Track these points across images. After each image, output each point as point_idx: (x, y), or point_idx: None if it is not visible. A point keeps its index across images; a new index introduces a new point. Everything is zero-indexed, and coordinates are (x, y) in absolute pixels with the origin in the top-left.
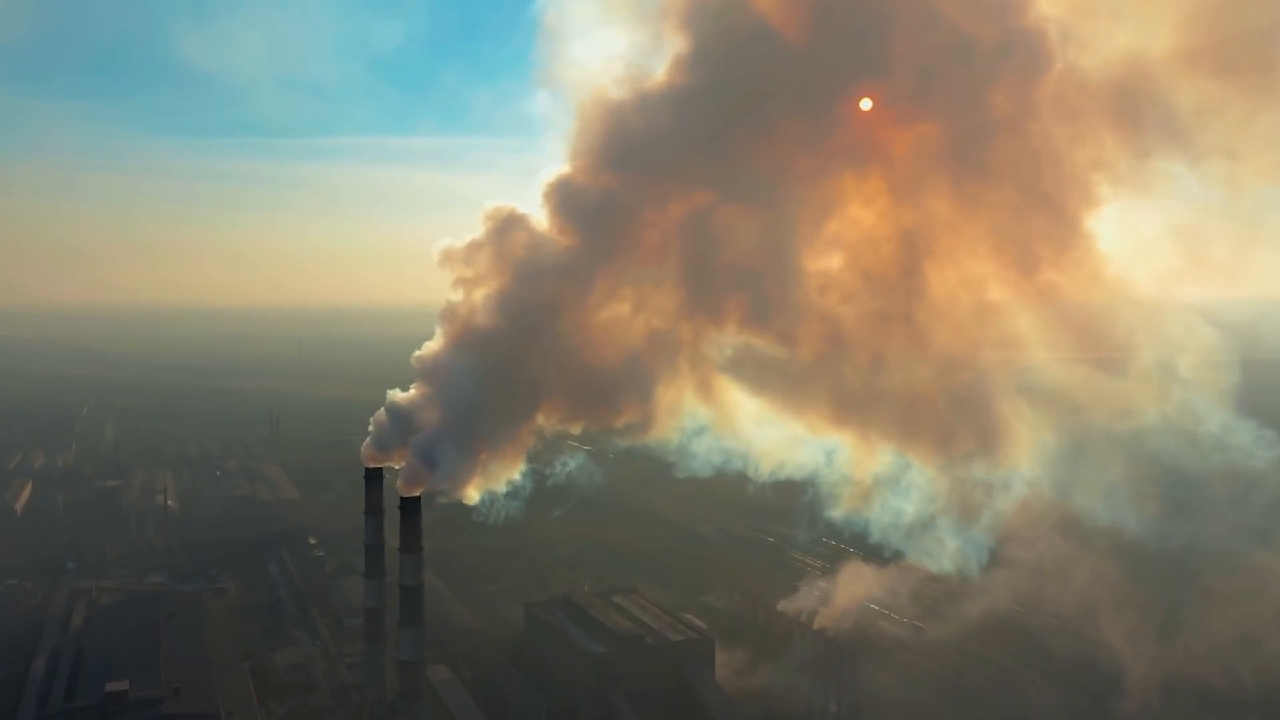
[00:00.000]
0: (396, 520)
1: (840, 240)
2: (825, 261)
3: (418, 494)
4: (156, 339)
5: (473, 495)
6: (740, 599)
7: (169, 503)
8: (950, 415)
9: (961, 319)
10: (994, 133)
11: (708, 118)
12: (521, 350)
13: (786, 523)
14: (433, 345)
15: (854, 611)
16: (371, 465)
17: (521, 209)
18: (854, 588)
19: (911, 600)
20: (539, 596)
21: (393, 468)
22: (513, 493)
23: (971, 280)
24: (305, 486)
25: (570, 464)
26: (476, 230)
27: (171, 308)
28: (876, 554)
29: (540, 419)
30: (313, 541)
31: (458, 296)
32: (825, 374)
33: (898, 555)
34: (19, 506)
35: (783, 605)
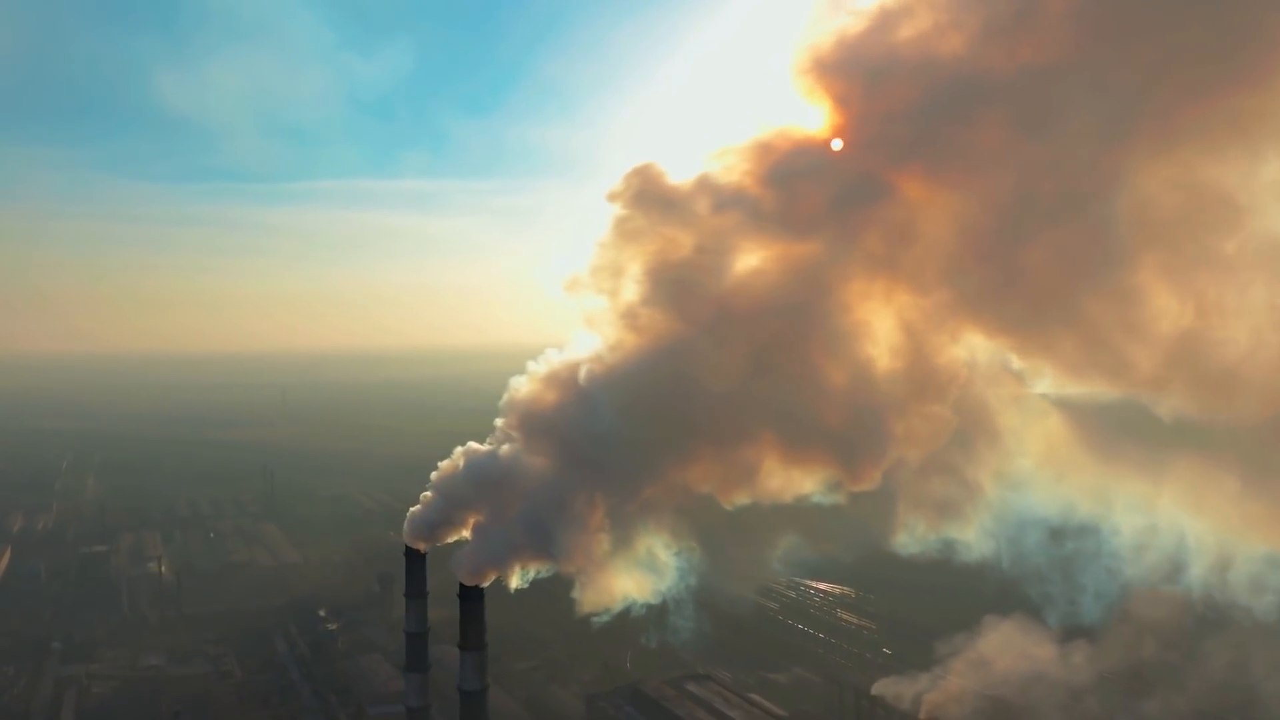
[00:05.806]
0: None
1: None
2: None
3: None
4: (134, 388)
5: (630, 591)
6: (823, 680)
7: (162, 570)
8: None
9: None
10: None
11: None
12: (721, 376)
13: (820, 575)
14: (533, 388)
15: (980, 698)
16: (418, 547)
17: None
18: (974, 666)
19: (1067, 689)
20: (589, 676)
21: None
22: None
23: None
24: (307, 548)
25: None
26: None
27: (147, 355)
28: (934, 614)
29: (719, 476)
30: (322, 613)
31: (592, 326)
32: None
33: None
34: None
35: (879, 689)
